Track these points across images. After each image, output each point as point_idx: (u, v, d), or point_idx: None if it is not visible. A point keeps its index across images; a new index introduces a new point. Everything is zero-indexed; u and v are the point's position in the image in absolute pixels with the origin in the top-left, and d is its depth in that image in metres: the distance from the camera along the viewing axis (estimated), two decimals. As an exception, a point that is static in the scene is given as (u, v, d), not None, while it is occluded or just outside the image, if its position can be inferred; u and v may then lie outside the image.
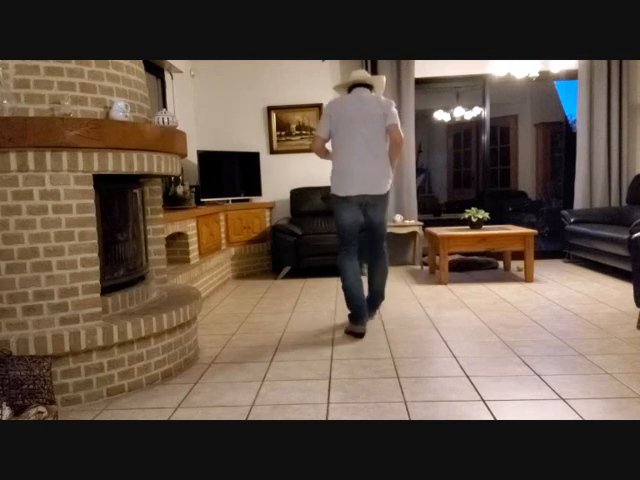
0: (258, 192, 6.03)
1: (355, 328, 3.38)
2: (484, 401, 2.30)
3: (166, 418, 2.27)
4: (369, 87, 3.48)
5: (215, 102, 6.16)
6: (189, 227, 4.50)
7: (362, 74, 3.52)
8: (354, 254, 3.46)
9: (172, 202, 4.79)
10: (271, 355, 3.05)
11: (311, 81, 6.10)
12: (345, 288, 3.43)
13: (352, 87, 3.48)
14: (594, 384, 2.45)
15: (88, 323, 2.48)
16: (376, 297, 3.63)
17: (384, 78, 3.62)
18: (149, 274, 3.17)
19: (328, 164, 6.27)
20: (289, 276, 5.52)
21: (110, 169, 2.50)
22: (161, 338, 2.72)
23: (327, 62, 6.05)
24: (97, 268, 2.52)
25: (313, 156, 6.19)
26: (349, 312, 3.48)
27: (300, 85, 6.11)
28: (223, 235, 5.53)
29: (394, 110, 3.38)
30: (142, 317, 2.59)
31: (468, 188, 10.22)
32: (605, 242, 4.85)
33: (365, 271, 3.64)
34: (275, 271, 5.68)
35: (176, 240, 4.45)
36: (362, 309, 3.42)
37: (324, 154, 3.58)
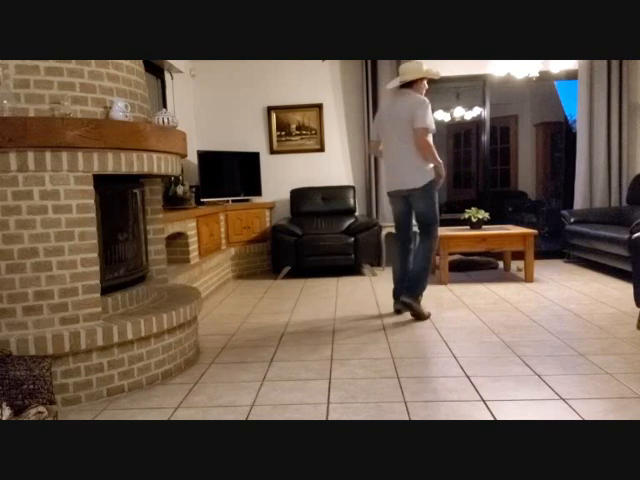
0: (258, 192, 6.03)
1: (394, 305, 3.93)
2: (484, 401, 2.30)
3: (166, 418, 2.27)
4: (410, 83, 3.69)
5: (215, 102, 6.16)
6: (189, 227, 4.50)
7: (399, 77, 3.70)
8: (406, 241, 3.87)
9: (172, 202, 4.79)
10: (271, 355, 3.05)
11: (311, 81, 6.10)
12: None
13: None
14: (594, 384, 2.45)
15: (88, 323, 2.48)
16: (410, 279, 3.78)
17: (411, 64, 3.70)
18: (149, 274, 3.17)
19: (326, 165, 6.29)
20: (289, 276, 5.52)
21: (110, 169, 2.50)
22: (161, 338, 2.72)
23: (327, 62, 6.05)
24: (97, 268, 2.52)
25: (313, 156, 6.27)
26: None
27: (300, 85, 6.11)
28: (223, 235, 5.53)
29: (420, 112, 3.53)
30: (142, 317, 2.59)
31: (468, 188, 10.22)
32: (605, 242, 4.84)
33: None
34: (275, 271, 5.68)
35: (176, 240, 4.45)
36: (397, 289, 3.87)
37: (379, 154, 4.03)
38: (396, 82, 3.72)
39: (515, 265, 5.48)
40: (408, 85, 3.68)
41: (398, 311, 3.90)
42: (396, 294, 3.89)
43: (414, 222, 3.84)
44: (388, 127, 3.70)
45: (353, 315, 3.92)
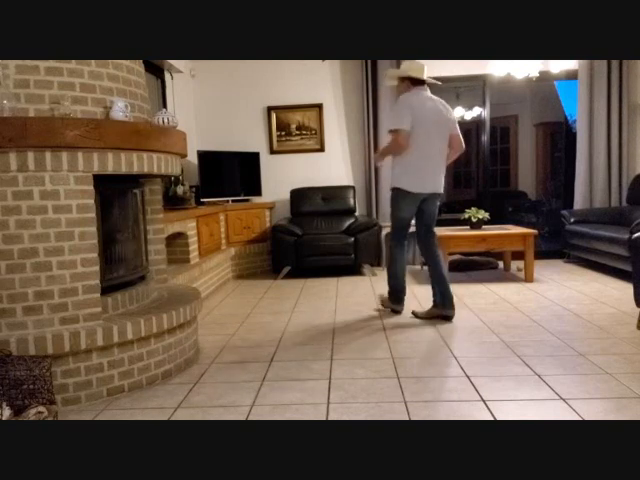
0: (258, 192, 6.03)
1: (395, 307, 3.92)
2: (484, 401, 2.30)
3: (166, 418, 2.27)
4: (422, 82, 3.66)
5: (215, 102, 6.16)
6: (189, 227, 4.50)
7: (419, 73, 3.61)
8: (405, 241, 3.84)
9: (172, 202, 4.79)
10: (271, 355, 3.05)
11: (311, 81, 6.10)
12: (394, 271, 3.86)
13: (416, 81, 3.62)
14: (594, 384, 2.45)
15: (88, 323, 2.48)
16: (446, 287, 3.69)
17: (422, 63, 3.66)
18: (149, 274, 3.17)
19: (326, 165, 6.25)
20: (289, 276, 5.52)
21: (110, 169, 2.50)
22: (161, 338, 2.72)
23: (327, 62, 6.05)
24: (97, 268, 2.52)
25: (313, 156, 6.27)
26: (390, 291, 3.90)
27: (300, 85, 6.10)
28: (223, 235, 5.53)
29: (454, 117, 3.73)
30: (142, 317, 2.59)
31: (468, 188, 10.22)
32: (605, 242, 4.84)
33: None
34: (275, 271, 5.68)
35: (176, 240, 4.45)
36: (398, 292, 3.87)
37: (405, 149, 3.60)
38: (413, 74, 3.57)
39: (515, 265, 5.48)
40: (421, 83, 3.63)
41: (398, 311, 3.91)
42: (399, 294, 3.88)
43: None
44: (434, 127, 3.56)
45: (353, 315, 3.92)
